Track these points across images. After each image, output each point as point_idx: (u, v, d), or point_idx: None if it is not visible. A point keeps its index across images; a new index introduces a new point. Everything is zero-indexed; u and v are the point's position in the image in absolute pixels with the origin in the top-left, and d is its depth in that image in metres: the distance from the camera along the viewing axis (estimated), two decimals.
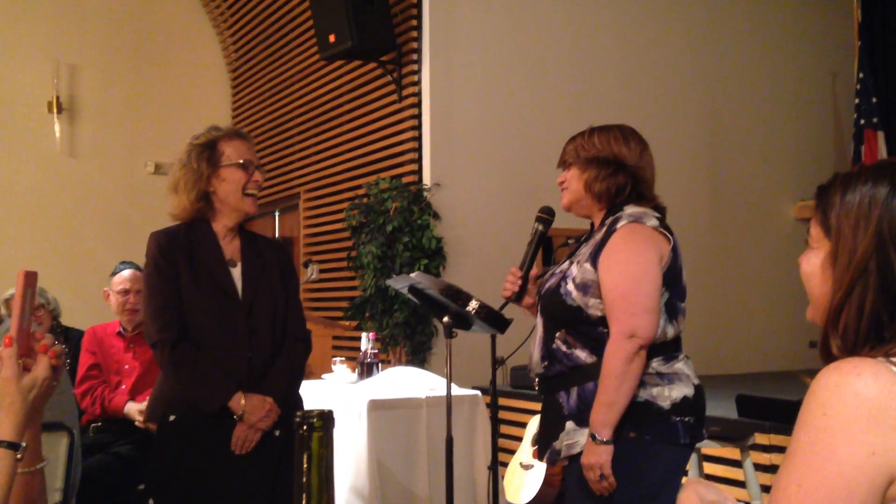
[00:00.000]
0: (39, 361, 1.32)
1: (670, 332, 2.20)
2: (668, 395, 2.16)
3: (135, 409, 3.60)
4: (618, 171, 2.25)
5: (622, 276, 2.14)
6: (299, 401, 2.68)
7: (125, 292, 3.71)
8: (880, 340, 1.08)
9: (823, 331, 1.14)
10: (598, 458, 2.10)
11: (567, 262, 2.29)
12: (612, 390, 2.10)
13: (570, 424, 2.21)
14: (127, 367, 3.73)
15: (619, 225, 2.19)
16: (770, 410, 3.87)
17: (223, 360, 2.48)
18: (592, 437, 2.11)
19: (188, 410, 2.49)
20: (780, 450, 3.73)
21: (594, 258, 2.19)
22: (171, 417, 2.50)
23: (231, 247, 2.60)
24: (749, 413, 3.95)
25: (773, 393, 4.46)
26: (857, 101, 6.97)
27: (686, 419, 2.16)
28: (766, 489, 3.43)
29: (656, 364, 2.17)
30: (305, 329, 2.69)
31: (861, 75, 6.94)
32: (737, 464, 3.64)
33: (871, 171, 1.15)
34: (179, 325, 2.48)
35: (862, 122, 6.90)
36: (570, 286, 2.21)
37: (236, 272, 2.58)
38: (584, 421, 2.18)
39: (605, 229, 2.23)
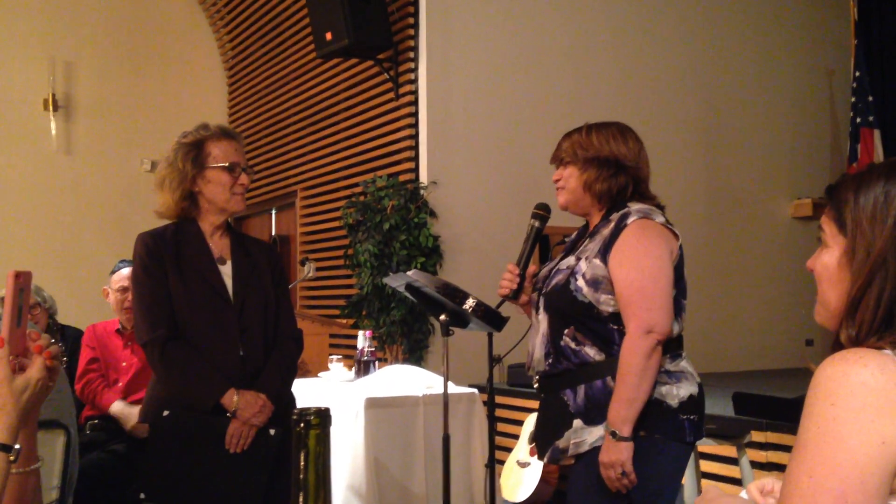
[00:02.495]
0: (34, 362, 1.30)
1: (675, 329, 2.20)
2: (677, 393, 2.16)
3: (120, 408, 3.59)
4: (618, 172, 2.24)
5: (637, 271, 2.13)
6: (293, 399, 2.68)
7: (124, 290, 3.70)
8: (888, 327, 1.08)
9: (838, 324, 1.14)
10: (620, 456, 2.09)
11: (573, 259, 2.26)
12: (632, 386, 2.09)
13: (577, 422, 2.20)
14: (124, 364, 3.73)
15: (629, 220, 2.18)
16: (766, 408, 3.87)
17: (215, 359, 2.48)
18: (613, 434, 2.10)
19: (182, 409, 2.48)
20: (777, 447, 3.74)
21: (604, 254, 2.18)
22: (165, 413, 2.48)
23: (220, 244, 2.60)
24: (745, 411, 3.96)
25: (769, 391, 4.47)
26: (853, 99, 6.98)
27: (692, 417, 2.17)
28: None
29: (664, 362, 2.17)
30: (296, 328, 2.69)
31: (857, 73, 6.96)
32: (733, 461, 3.65)
33: (883, 169, 1.16)
34: (169, 324, 2.48)
35: (858, 120, 6.92)
36: (581, 282, 2.19)
37: (226, 270, 2.57)
38: (593, 419, 2.17)
39: (612, 224, 2.21)
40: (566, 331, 2.22)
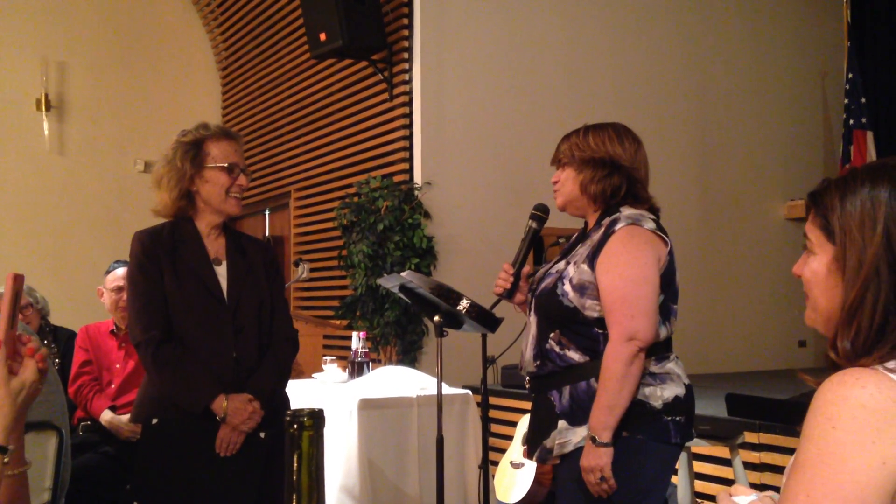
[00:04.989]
0: (27, 365, 1.31)
1: (663, 333, 2.21)
2: (661, 395, 2.17)
3: (110, 419, 3.58)
4: (613, 173, 2.25)
5: (621, 278, 2.14)
6: (286, 401, 2.67)
7: (119, 290, 3.70)
8: (882, 337, 1.09)
9: (831, 329, 1.15)
10: (599, 461, 2.10)
11: (563, 263, 2.28)
12: (612, 393, 2.10)
13: (562, 423, 2.21)
14: (118, 365, 3.72)
15: (617, 227, 2.19)
16: (759, 409, 3.88)
17: (209, 360, 2.47)
18: (593, 439, 2.12)
19: (172, 413, 2.46)
20: (770, 448, 3.75)
21: (592, 260, 2.19)
22: (154, 421, 2.47)
23: (216, 245, 2.59)
24: (739, 412, 3.97)
25: (762, 392, 4.48)
26: (846, 101, 7.01)
27: (677, 419, 2.17)
28: (755, 487, 3.43)
29: (649, 364, 2.18)
30: (292, 328, 2.68)
31: (850, 76, 6.98)
32: (726, 462, 3.66)
33: (866, 173, 1.15)
34: (163, 325, 2.46)
35: (851, 122, 6.94)
36: (567, 287, 2.21)
37: (221, 271, 2.56)
38: (577, 420, 2.19)
39: (602, 230, 2.22)
40: (552, 334, 2.24)
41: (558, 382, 2.23)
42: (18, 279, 1.32)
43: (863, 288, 1.11)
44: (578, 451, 2.17)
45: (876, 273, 1.10)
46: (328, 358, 4.29)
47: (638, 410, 2.14)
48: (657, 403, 2.16)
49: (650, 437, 2.15)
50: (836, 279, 1.14)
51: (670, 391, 2.18)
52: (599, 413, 2.11)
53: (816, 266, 1.18)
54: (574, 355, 2.20)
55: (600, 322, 2.18)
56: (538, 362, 2.27)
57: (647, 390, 2.16)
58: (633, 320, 2.11)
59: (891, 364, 1.07)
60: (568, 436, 2.20)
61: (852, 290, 1.12)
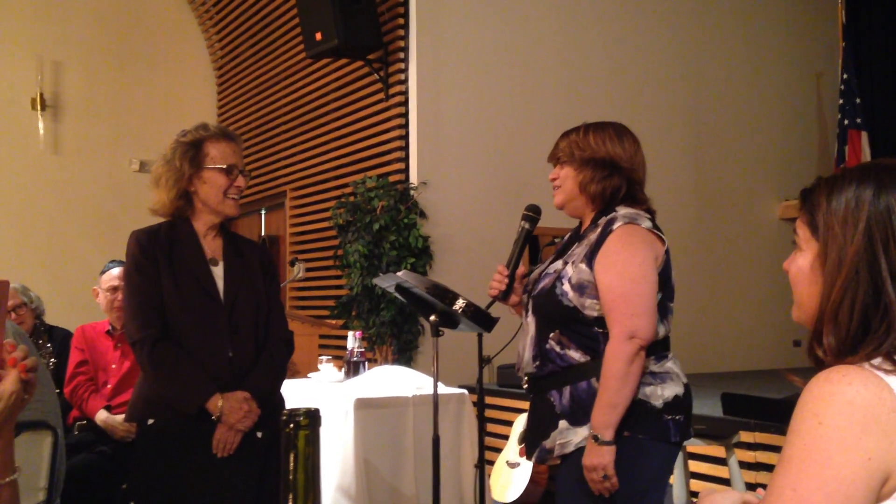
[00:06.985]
0: (8, 375, 1.27)
1: (661, 331, 2.21)
2: (661, 394, 2.18)
3: (105, 418, 3.58)
4: (613, 174, 2.25)
5: (621, 277, 2.14)
6: (281, 401, 2.67)
7: (113, 290, 3.69)
8: (865, 335, 1.10)
9: (814, 329, 1.16)
10: (602, 460, 2.11)
11: (561, 263, 2.28)
12: (614, 391, 2.11)
13: (563, 423, 2.22)
14: (114, 366, 3.71)
15: (614, 226, 2.19)
16: (755, 408, 3.89)
17: (204, 360, 2.47)
18: (595, 438, 2.12)
19: (168, 412, 2.46)
20: (765, 448, 3.75)
21: (590, 259, 2.19)
22: (150, 421, 2.47)
23: (213, 245, 2.59)
24: (734, 411, 3.98)
25: (758, 391, 4.49)
26: (841, 101, 7.03)
27: (677, 418, 2.18)
28: (750, 487, 3.45)
29: (648, 363, 2.18)
30: (288, 329, 2.68)
31: (845, 76, 7.00)
32: (722, 461, 3.66)
33: (854, 173, 1.17)
34: (160, 324, 2.46)
35: (846, 122, 6.97)
36: (566, 287, 2.21)
37: (218, 271, 2.56)
38: (578, 420, 2.19)
39: (599, 230, 2.23)
40: (552, 334, 2.24)
41: (558, 382, 2.23)
42: (2, 285, 1.26)
43: (843, 287, 1.12)
44: (579, 451, 2.17)
45: (855, 272, 1.11)
46: (324, 357, 4.29)
47: (639, 410, 2.15)
48: (658, 402, 2.17)
49: (651, 436, 2.16)
50: (819, 276, 1.16)
51: (670, 390, 2.19)
52: (601, 412, 2.12)
53: (802, 262, 1.20)
54: (575, 355, 2.21)
55: (600, 321, 2.18)
56: (538, 363, 2.26)
57: (648, 389, 2.17)
58: (633, 318, 2.11)
59: (877, 361, 1.08)
60: (569, 436, 2.20)
61: (833, 288, 1.13)
